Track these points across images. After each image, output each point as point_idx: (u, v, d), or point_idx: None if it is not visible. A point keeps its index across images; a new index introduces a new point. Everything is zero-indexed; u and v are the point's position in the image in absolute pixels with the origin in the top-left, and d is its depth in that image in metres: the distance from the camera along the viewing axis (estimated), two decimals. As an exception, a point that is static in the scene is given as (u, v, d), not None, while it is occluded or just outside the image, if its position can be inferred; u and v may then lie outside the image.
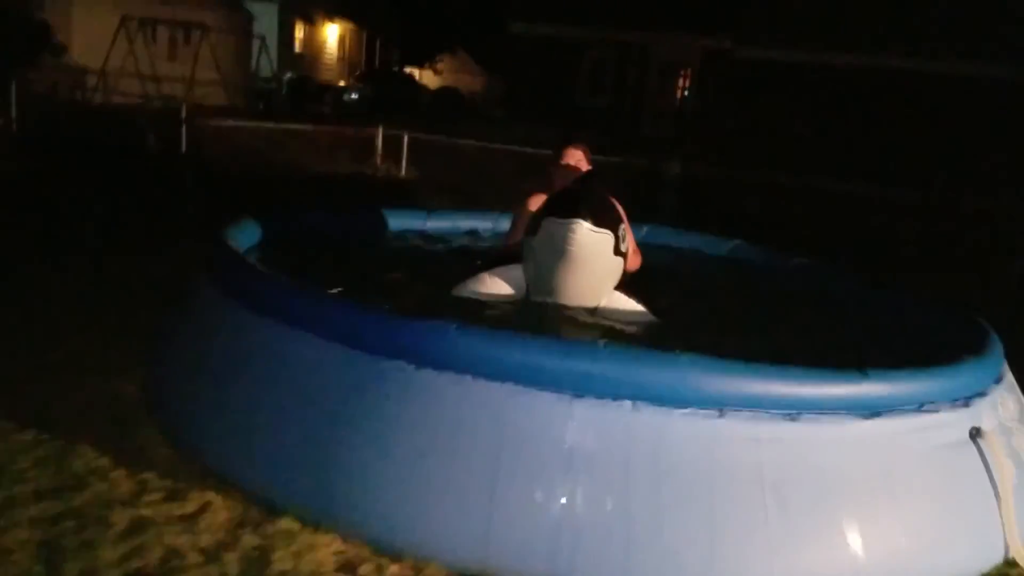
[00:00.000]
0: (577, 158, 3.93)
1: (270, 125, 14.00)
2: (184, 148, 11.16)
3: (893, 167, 14.95)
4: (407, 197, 9.48)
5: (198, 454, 2.97)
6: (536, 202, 3.78)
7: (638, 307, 3.53)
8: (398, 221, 5.01)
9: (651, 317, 3.53)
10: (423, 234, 5.01)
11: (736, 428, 2.54)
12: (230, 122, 13.74)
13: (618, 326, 3.40)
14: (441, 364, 2.61)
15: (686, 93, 22.70)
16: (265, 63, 21.71)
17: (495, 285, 3.54)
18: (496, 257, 3.78)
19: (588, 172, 3.88)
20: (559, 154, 3.98)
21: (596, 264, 3.39)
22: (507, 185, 8.06)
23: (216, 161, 10.47)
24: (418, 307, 3.08)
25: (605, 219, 3.33)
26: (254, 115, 18.19)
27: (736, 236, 5.28)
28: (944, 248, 8.79)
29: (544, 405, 2.53)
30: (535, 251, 3.43)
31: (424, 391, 2.62)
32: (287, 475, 2.71)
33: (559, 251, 3.32)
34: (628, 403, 2.51)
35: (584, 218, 3.26)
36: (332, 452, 2.65)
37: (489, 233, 5.06)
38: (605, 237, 3.33)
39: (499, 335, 2.72)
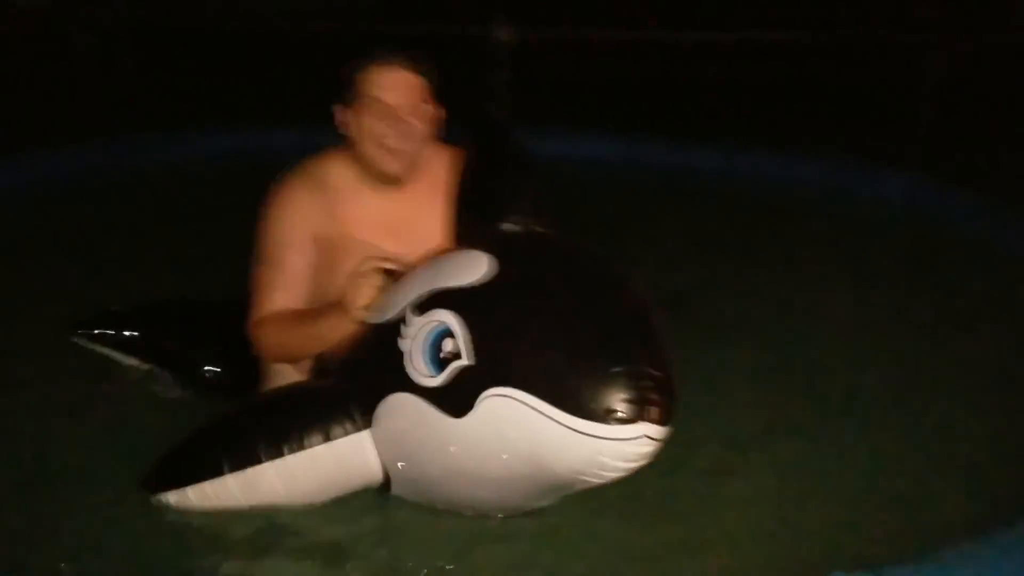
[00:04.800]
0: (406, 91, 1.86)
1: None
2: None
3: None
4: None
5: None
6: (312, 214, 1.88)
7: None
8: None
9: None
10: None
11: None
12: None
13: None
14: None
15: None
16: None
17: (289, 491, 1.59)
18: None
19: (489, 150, 1.85)
20: (359, 90, 1.87)
21: None
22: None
23: None
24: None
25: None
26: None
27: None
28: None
29: None
30: (464, 471, 1.50)
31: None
32: None
33: (573, 482, 1.44)
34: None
35: (664, 419, 1.35)
36: None
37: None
38: None
39: None
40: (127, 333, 2.15)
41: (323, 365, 1.79)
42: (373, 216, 1.90)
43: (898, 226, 3.85)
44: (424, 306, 1.46)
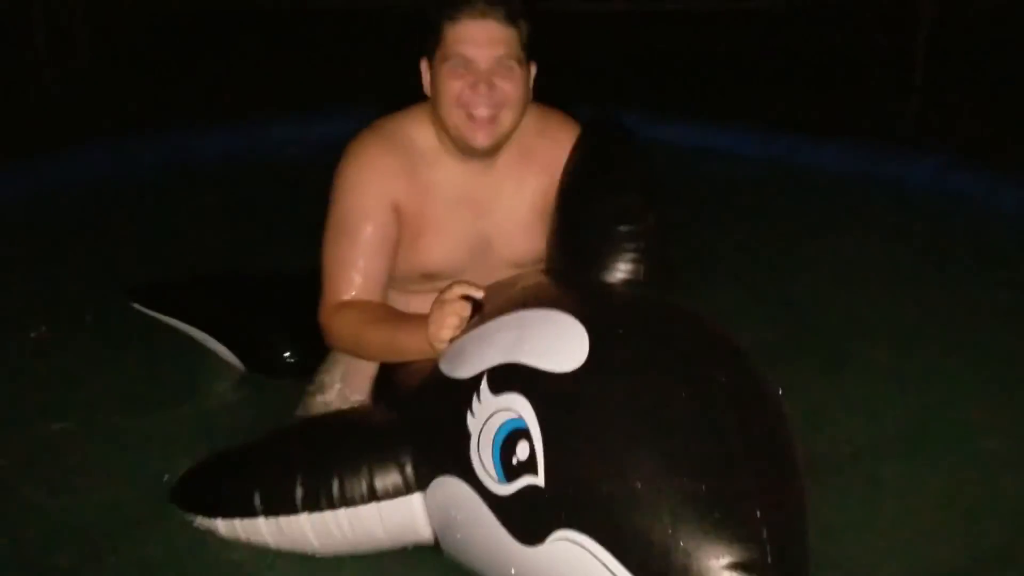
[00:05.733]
0: (494, 46, 1.57)
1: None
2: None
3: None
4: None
5: None
6: (390, 179, 1.64)
7: None
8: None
9: None
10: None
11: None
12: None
13: None
14: None
15: None
16: None
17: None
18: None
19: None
20: (440, 43, 1.60)
21: None
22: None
23: None
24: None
25: None
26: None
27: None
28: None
29: None
30: None
31: None
32: None
33: None
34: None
35: None
36: None
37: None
38: None
39: None
40: (192, 302, 2.08)
41: (388, 382, 1.64)
42: (456, 187, 1.69)
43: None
44: (501, 381, 1.21)
